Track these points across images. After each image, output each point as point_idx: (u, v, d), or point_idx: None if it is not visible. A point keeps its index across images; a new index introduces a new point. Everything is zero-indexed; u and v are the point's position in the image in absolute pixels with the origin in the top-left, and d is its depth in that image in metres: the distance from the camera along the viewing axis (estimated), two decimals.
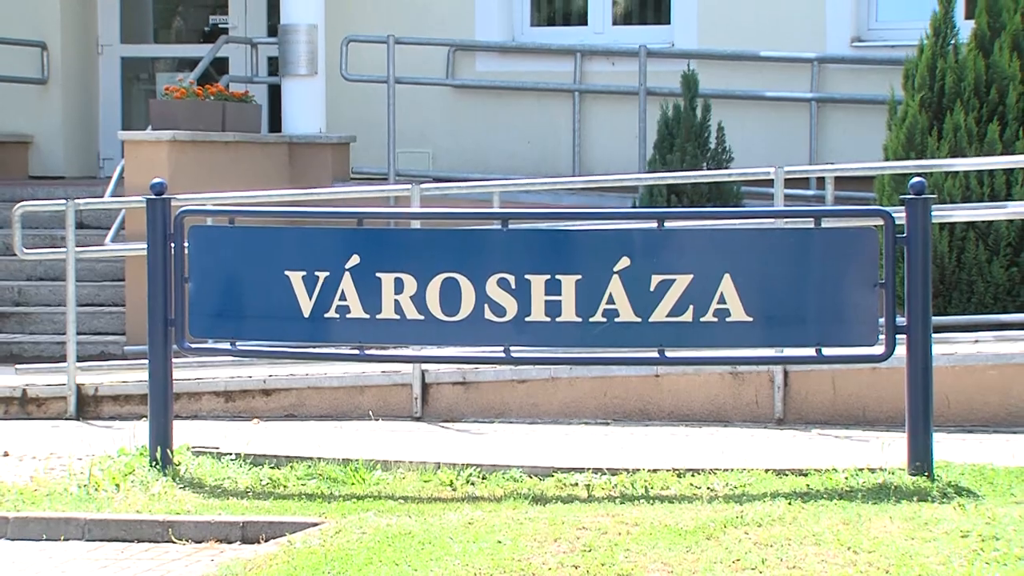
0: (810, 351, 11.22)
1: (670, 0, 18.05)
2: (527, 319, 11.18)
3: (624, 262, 11.06)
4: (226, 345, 11.88)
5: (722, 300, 10.94)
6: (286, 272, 11.46)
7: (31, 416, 14.09)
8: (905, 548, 9.17)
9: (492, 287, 11.19)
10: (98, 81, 19.39)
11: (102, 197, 15.81)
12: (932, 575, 8.54)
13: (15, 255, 15.04)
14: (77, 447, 12.45)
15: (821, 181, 15.20)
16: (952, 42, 15.07)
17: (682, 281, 10.98)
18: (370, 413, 13.49)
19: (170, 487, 11.17)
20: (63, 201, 14.69)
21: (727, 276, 10.95)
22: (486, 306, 11.20)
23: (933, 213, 11.01)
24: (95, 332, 15.77)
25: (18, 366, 14.97)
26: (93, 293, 16.18)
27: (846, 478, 10.91)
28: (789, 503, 10.34)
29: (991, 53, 14.88)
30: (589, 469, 11.28)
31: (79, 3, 19.16)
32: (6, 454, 12.36)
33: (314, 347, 12.16)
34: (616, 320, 11.08)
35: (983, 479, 10.80)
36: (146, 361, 11.86)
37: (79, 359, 14.27)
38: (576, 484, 11.07)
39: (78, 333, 14.36)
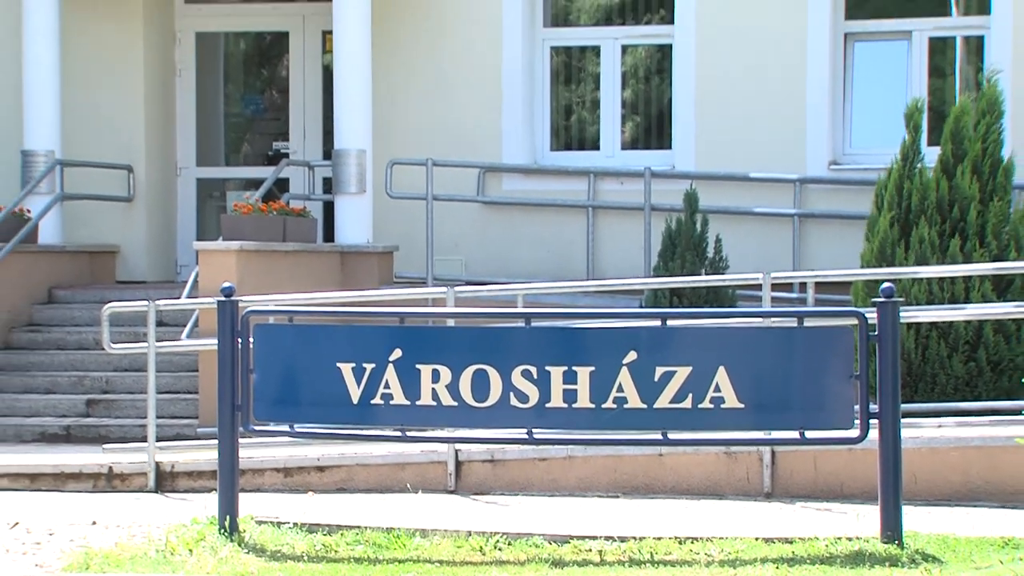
0: (794, 434, 11.18)
1: (671, 128, 18.07)
2: (547, 405, 11.15)
3: (632, 356, 11.04)
4: (285, 427, 11.86)
5: (717, 389, 10.91)
6: (337, 364, 11.45)
7: (116, 489, 14.06)
8: None
9: (517, 377, 11.17)
10: (176, 198, 19.44)
11: (179, 299, 15.81)
12: None
13: (103, 349, 15.06)
14: (156, 517, 12.42)
15: (804, 285, 15.17)
16: (919, 166, 15.09)
17: (682, 373, 10.96)
18: (410, 487, 13.44)
19: (236, 552, 11.14)
20: (145, 302, 14.70)
21: (722, 368, 10.93)
22: (511, 394, 11.18)
23: (901, 314, 11.01)
24: (172, 416, 15.76)
25: (105, 446, 14.94)
26: (170, 382, 16.17)
27: (826, 545, 10.85)
28: (777, 568, 10.30)
29: (954, 176, 14.90)
30: (602, 537, 11.24)
31: (161, 131, 19.24)
32: (94, 523, 12.34)
33: (361, 429, 12.12)
34: (625, 406, 11.05)
35: (946, 547, 10.74)
36: (216, 441, 11.84)
37: (158, 440, 14.24)
38: (590, 550, 11.03)
39: (157, 417, 14.35)
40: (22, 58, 18.18)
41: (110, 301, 15.55)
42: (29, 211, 17.70)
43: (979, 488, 12.55)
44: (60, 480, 14.22)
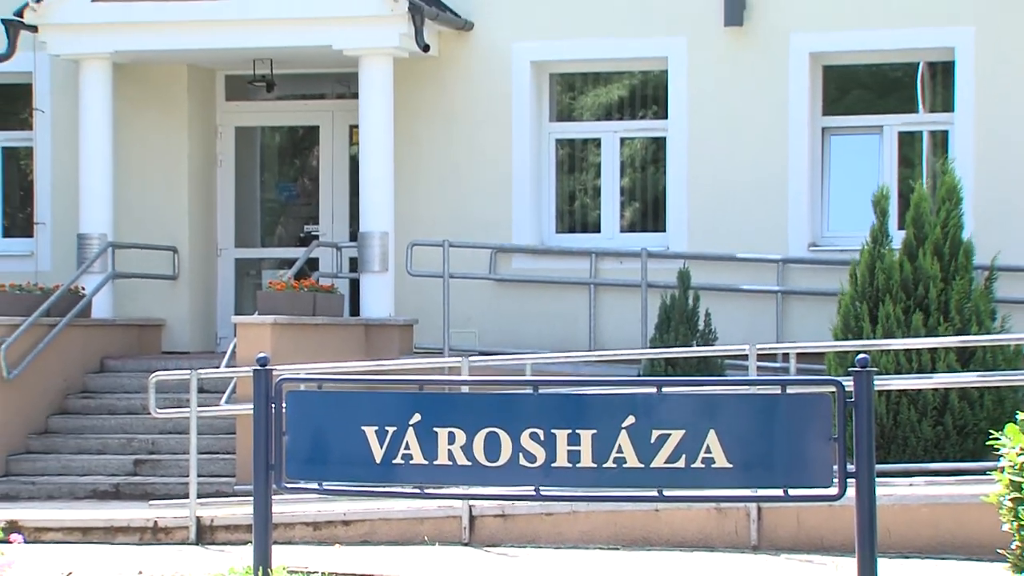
0: (779, 492, 11.12)
1: (666, 212, 18.08)
2: (553, 465, 11.11)
3: (630, 419, 11.01)
4: (314, 485, 11.82)
5: (708, 450, 10.87)
6: (362, 427, 11.41)
7: (160, 542, 14.03)
8: None
9: (525, 439, 11.14)
10: (217, 276, 19.44)
11: (219, 368, 15.82)
12: None
13: (150, 414, 15.09)
14: (196, 567, 12.38)
15: (786, 355, 15.14)
16: (887, 248, 15.13)
17: (676, 435, 10.92)
18: (427, 539, 13.39)
19: None
20: (188, 371, 14.72)
21: (712, 431, 10.88)
22: (520, 454, 11.14)
23: (875, 382, 10.97)
24: (212, 475, 15.70)
25: (151, 502, 14.94)
26: (210, 443, 16.10)
27: None
28: None
29: (916, 257, 14.93)
30: None
31: (203, 216, 19.27)
32: (140, 572, 12.30)
33: (384, 487, 12.07)
34: (624, 466, 11.01)
35: None
36: (251, 498, 11.80)
37: (198, 496, 14.21)
38: None
39: (198, 476, 14.32)
40: (79, 149, 18.24)
41: (156, 370, 15.57)
42: (83, 288, 17.73)
43: (947, 542, 12.50)
44: (110, 533, 14.22)
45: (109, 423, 17.12)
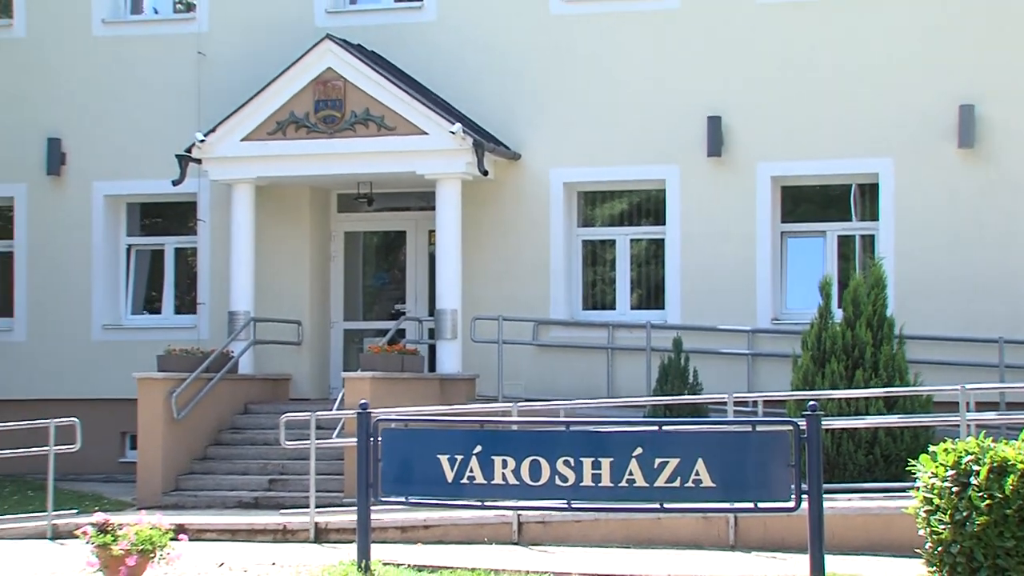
0: (750, 505, 11.08)
1: (664, 295, 18.08)
2: (581, 484, 11.10)
3: (639, 450, 11.00)
4: (402, 499, 11.84)
5: (697, 474, 10.84)
6: (437, 455, 11.43)
7: (288, 541, 14.04)
8: None
9: (560, 464, 11.13)
10: (330, 342, 19.49)
11: (331, 411, 15.86)
12: None
13: (281, 445, 15.12)
14: (314, 560, 12.39)
15: (755, 403, 15.08)
16: (831, 321, 15.10)
17: (673, 462, 10.90)
18: (486, 540, 13.36)
19: None
20: (308, 414, 14.77)
21: (700, 459, 10.86)
22: (556, 476, 11.14)
23: (822, 423, 10.95)
24: (326, 490, 15.66)
25: (281, 511, 14.94)
26: (325, 467, 16.11)
27: None
28: None
29: (854, 328, 14.90)
30: (618, 574, 11.14)
31: (320, 298, 19.34)
32: (273, 563, 12.28)
33: (453, 500, 12.05)
34: (634, 485, 10.99)
35: None
36: (355, 508, 11.82)
37: (316, 507, 14.22)
38: None
39: (316, 491, 14.34)
40: (230, 249, 18.37)
41: (285, 413, 15.63)
42: (233, 351, 17.82)
43: (878, 543, 12.42)
44: (251, 534, 14.24)
45: (251, 451, 17.16)
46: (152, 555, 11.31)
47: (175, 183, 18.25)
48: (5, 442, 17.63)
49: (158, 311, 19.78)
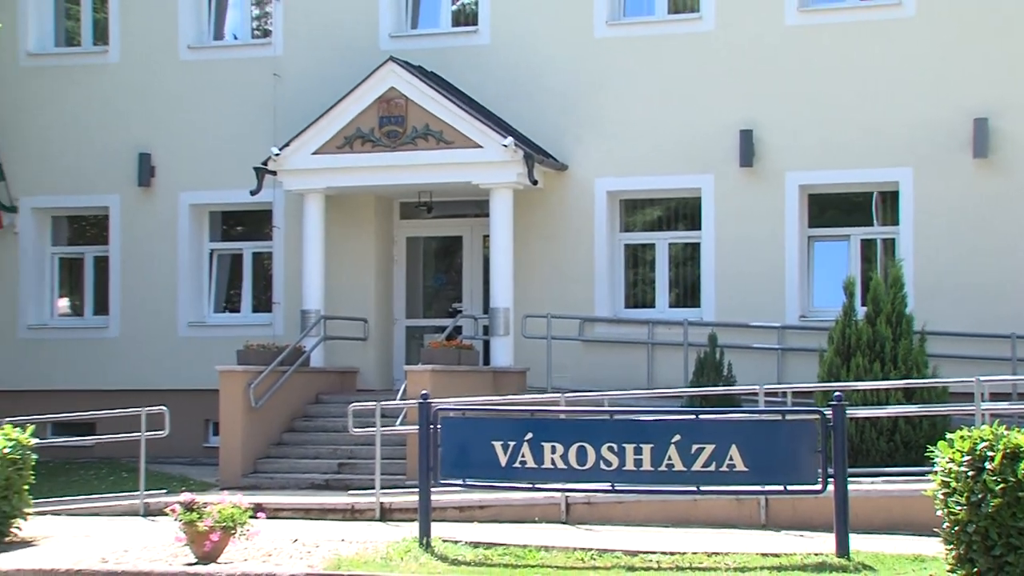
0: (780, 488, 11.07)
1: (700, 294, 18.02)
2: (623, 468, 11.11)
3: (677, 437, 11.00)
4: (459, 482, 11.87)
5: (731, 459, 10.83)
6: (492, 441, 11.47)
7: (356, 519, 14.12)
8: None
9: (604, 450, 11.14)
10: (393, 338, 19.55)
11: (395, 401, 15.91)
12: None
13: (349, 432, 15.20)
14: (379, 537, 12.46)
15: (785, 393, 14.97)
16: (854, 318, 15.01)
17: (709, 448, 10.89)
18: (537, 519, 13.36)
19: (429, 559, 11.12)
20: (374, 403, 14.85)
21: (734, 445, 10.85)
22: (601, 461, 11.15)
23: (847, 412, 10.89)
24: (390, 473, 15.76)
25: (350, 492, 15.04)
26: (389, 452, 16.18)
27: (801, 559, 10.69)
28: (770, 572, 10.15)
29: (876, 324, 14.82)
30: (658, 552, 11.14)
31: (384, 297, 19.40)
32: (342, 540, 12.36)
33: (506, 483, 12.09)
34: (673, 469, 10.99)
35: (878, 561, 10.55)
36: (417, 489, 11.86)
37: (381, 488, 14.30)
38: (651, 559, 10.91)
39: (381, 474, 14.41)
40: (302, 253, 18.47)
41: (353, 402, 15.70)
42: (305, 347, 17.92)
43: (898, 523, 12.35)
44: (322, 513, 14.31)
45: (322, 438, 17.23)
46: (233, 531, 11.41)
47: (253, 193, 18.38)
48: (102, 428, 17.85)
49: (237, 310, 19.92)
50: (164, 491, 15.27)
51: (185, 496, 11.65)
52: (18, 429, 13.25)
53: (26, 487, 13.04)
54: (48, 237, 20.46)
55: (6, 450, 12.78)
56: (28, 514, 13.24)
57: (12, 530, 12.95)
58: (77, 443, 17.34)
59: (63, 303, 20.67)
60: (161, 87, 19.71)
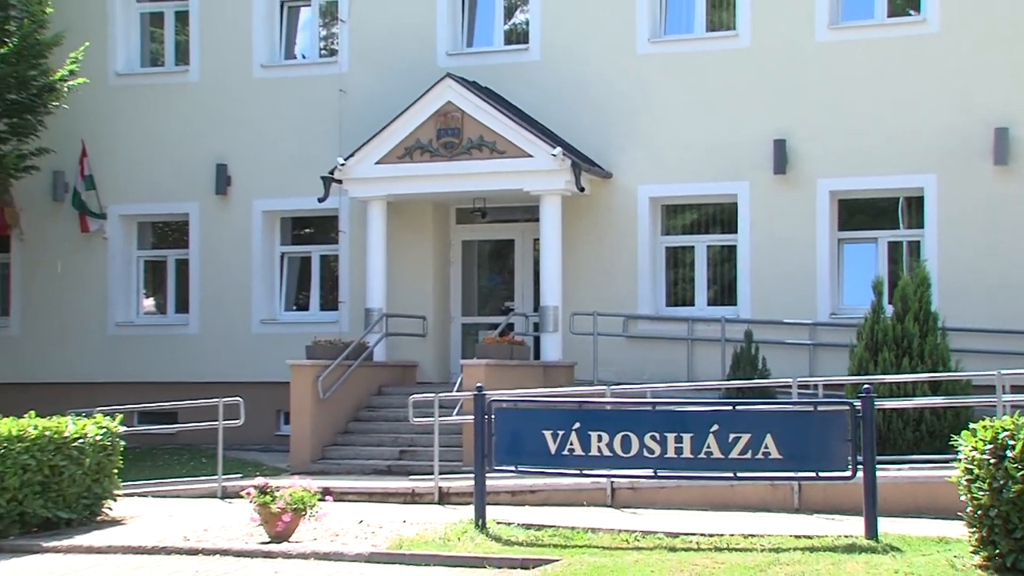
0: (812, 474, 11.00)
1: (736, 293, 17.93)
2: (665, 455, 11.08)
3: (715, 427, 10.95)
4: (512, 468, 11.88)
5: (766, 447, 10.77)
6: (542, 431, 11.47)
7: (416, 503, 14.15)
8: None
9: (647, 439, 11.11)
10: (450, 335, 19.59)
11: (452, 393, 15.94)
12: None
13: (409, 421, 15.24)
14: (438, 518, 12.49)
15: (816, 386, 14.91)
16: (882, 316, 14.89)
17: (745, 437, 10.84)
18: (584, 503, 13.35)
19: (484, 540, 11.14)
20: (432, 395, 14.89)
21: (769, 435, 10.79)
22: (644, 449, 11.12)
23: (875, 404, 10.80)
24: (448, 460, 15.81)
25: (410, 477, 15.08)
26: (446, 440, 16.22)
27: (832, 540, 10.60)
28: (802, 553, 10.08)
29: (903, 321, 14.69)
30: (698, 533, 11.09)
31: (441, 296, 19.46)
32: (404, 521, 12.41)
33: (556, 469, 12.10)
34: (712, 456, 10.94)
35: (905, 542, 10.45)
36: (472, 475, 11.89)
37: (440, 473, 14.33)
38: (691, 540, 10.87)
39: (439, 460, 14.44)
40: (366, 255, 18.52)
41: (413, 394, 15.77)
42: (368, 342, 17.99)
43: (924, 508, 12.23)
44: (385, 496, 14.36)
45: (384, 427, 17.31)
46: (303, 513, 11.50)
47: (320, 200, 18.50)
48: (183, 417, 18.04)
49: (306, 308, 20.04)
50: (239, 475, 15.40)
51: (259, 480, 11.75)
52: (108, 418, 13.43)
53: (115, 471, 13.22)
54: (134, 241, 20.69)
55: (97, 437, 12.97)
56: (118, 496, 13.43)
57: (103, 510, 13.13)
58: (161, 431, 17.56)
59: (148, 302, 20.90)
60: (236, 103, 19.88)
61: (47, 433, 12.48)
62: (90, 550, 11.50)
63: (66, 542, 11.76)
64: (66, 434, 12.66)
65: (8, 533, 12.11)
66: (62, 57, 19.25)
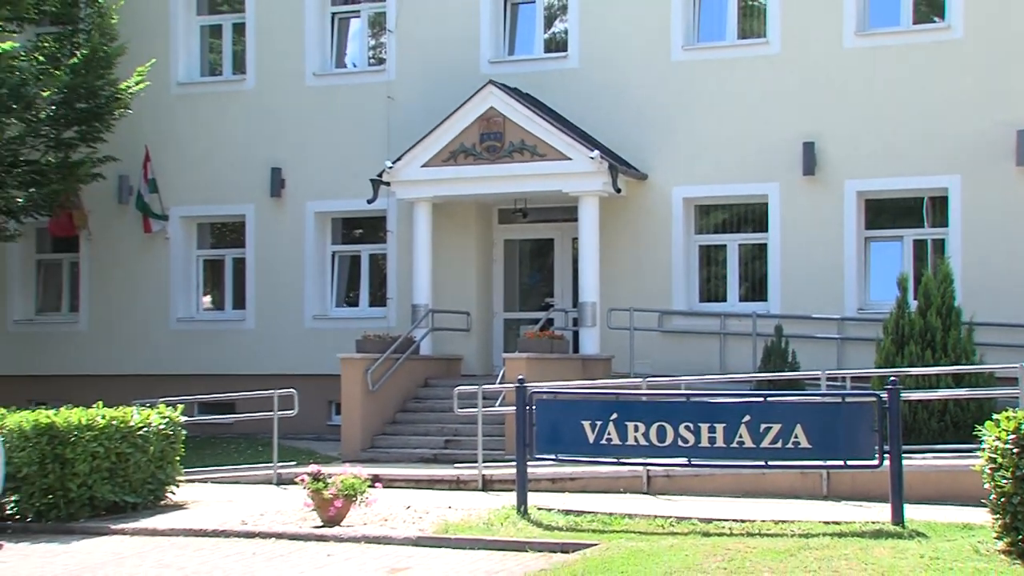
0: (841, 463, 10.95)
1: (767, 289, 17.85)
2: (699, 445, 11.08)
3: (747, 417, 10.94)
4: (552, 457, 11.91)
5: (796, 437, 10.74)
6: (581, 421, 11.50)
7: (461, 489, 14.20)
8: (890, 563, 8.83)
9: (682, 429, 11.11)
10: (492, 329, 19.59)
11: (495, 385, 15.96)
12: None
13: (454, 412, 15.31)
14: (481, 504, 12.54)
15: (844, 378, 14.83)
16: (907, 310, 14.78)
17: (776, 427, 10.81)
18: (622, 490, 13.35)
19: (526, 525, 11.18)
20: (476, 387, 14.94)
21: (799, 425, 10.77)
22: (678, 439, 11.12)
23: (901, 395, 10.74)
24: (491, 448, 15.81)
25: (455, 465, 15.13)
26: (489, 429, 16.22)
27: (860, 526, 10.56)
28: (831, 538, 10.05)
29: (927, 316, 14.58)
30: (730, 519, 11.08)
31: (484, 293, 19.49)
32: (449, 507, 12.46)
33: (594, 458, 12.12)
34: (743, 446, 10.93)
35: (930, 528, 10.39)
36: (514, 463, 11.92)
37: (483, 461, 14.37)
38: (724, 526, 10.86)
39: (483, 449, 14.47)
40: (412, 254, 18.62)
41: (457, 386, 15.82)
42: (415, 337, 18.05)
43: (948, 495, 12.16)
44: (431, 483, 14.43)
45: (430, 417, 17.36)
46: (354, 498, 11.59)
47: (369, 202, 18.59)
48: (240, 408, 18.19)
49: (356, 304, 20.14)
50: (293, 463, 15.51)
51: (312, 468, 11.85)
52: (170, 408, 13.59)
53: (178, 458, 13.38)
54: (194, 241, 20.87)
55: (161, 426, 13.12)
56: (180, 481, 13.58)
57: (167, 495, 13.30)
58: (219, 420, 17.71)
59: (207, 299, 21.08)
60: (290, 110, 20.01)
61: (114, 422, 12.66)
62: (155, 532, 11.65)
63: (132, 524, 11.93)
64: (131, 423, 12.83)
65: (79, 516, 12.31)
66: (126, 67, 19.47)
